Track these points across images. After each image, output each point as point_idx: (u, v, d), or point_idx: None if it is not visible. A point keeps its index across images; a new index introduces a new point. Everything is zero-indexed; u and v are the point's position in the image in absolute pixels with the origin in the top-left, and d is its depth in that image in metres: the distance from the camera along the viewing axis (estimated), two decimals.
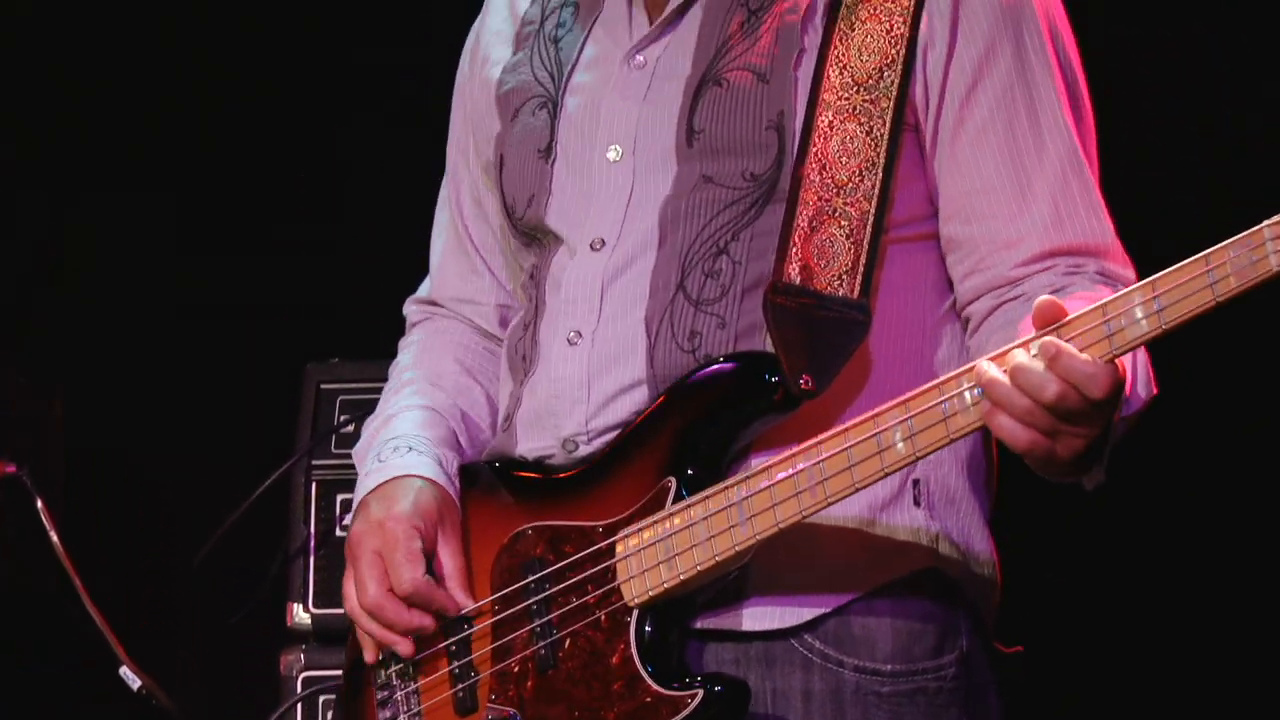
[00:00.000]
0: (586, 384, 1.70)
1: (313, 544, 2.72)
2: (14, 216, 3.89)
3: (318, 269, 3.48)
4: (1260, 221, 1.48)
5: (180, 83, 4.03)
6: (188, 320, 3.52)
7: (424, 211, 2.02)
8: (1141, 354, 1.63)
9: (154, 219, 3.81)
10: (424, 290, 1.99)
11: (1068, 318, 1.49)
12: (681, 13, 1.74)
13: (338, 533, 2.71)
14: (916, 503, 1.68)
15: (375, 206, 3.48)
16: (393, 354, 1.94)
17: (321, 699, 2.67)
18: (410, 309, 1.99)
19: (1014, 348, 1.52)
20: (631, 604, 1.62)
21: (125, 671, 2.67)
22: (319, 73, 3.74)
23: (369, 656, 1.76)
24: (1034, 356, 1.49)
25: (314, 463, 2.75)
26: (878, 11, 1.67)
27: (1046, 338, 1.50)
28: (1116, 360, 1.49)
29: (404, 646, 1.71)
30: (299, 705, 2.64)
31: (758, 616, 1.65)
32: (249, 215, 3.66)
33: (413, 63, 2.40)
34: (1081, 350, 1.47)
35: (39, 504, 2.74)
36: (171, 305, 3.66)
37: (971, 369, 1.53)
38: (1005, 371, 1.50)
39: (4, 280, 3.85)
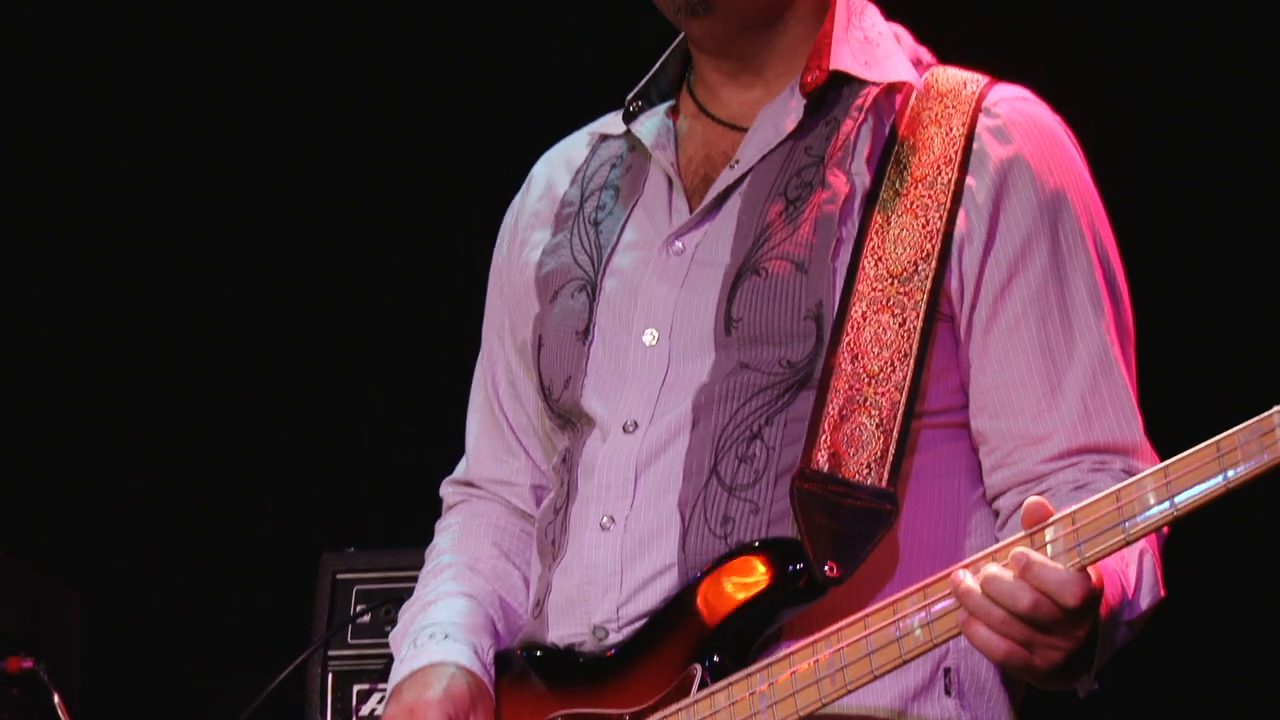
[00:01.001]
0: (619, 570, 1.77)
1: None
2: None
3: (334, 459, 3.67)
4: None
5: (202, 302, 4.43)
6: (204, 509, 3.71)
7: (437, 404, 2.16)
8: (1150, 559, 1.72)
9: (169, 410, 4.07)
10: (460, 471, 2.06)
11: (1084, 503, 1.56)
12: (721, 200, 1.83)
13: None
14: (948, 691, 1.76)
15: (390, 399, 3.73)
16: (410, 543, 2.05)
17: None
18: (447, 490, 2.06)
19: (985, 556, 1.59)
20: None
21: None
22: (335, 264, 4.06)
23: None
24: (1005, 566, 1.56)
25: (330, 653, 2.86)
26: (914, 206, 1.77)
27: (1017, 549, 1.57)
28: (1088, 567, 1.56)
29: None
30: None
31: None
32: (264, 405, 3.89)
33: (419, 254, 2.61)
34: (1090, 535, 1.56)
35: (56, 699, 2.85)
36: (188, 494, 3.83)
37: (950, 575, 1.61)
38: (978, 581, 1.57)
39: (21, 476, 4.03)
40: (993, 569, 1.56)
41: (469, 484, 2.04)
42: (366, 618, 2.85)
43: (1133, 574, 1.67)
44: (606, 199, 1.91)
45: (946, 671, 1.76)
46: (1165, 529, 1.65)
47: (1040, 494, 1.68)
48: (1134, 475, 1.65)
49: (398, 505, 2.43)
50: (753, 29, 1.86)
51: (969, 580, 1.57)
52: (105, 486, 4.03)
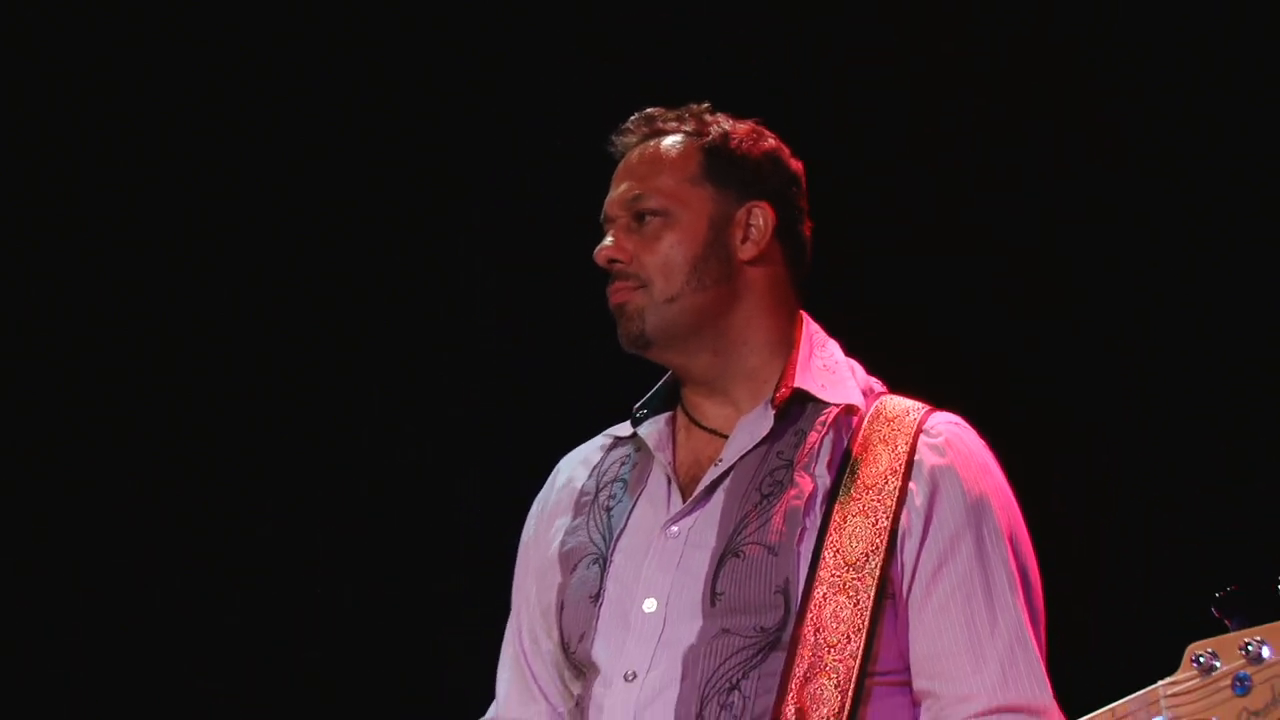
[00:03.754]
0: None
1: None
2: None
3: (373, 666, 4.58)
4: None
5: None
6: (423, 622, 4.69)
7: (469, 655, 2.86)
8: None
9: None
10: (491, 713, 2.50)
11: None
12: (709, 493, 2.31)
13: None
14: None
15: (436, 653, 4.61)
16: None
17: None
18: None
19: None
20: None
21: None
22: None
23: None
24: None
25: None
26: (865, 508, 2.25)
27: None
28: None
29: None
30: None
31: None
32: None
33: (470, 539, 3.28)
34: None
35: None
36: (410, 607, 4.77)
37: None
38: None
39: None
40: None
41: None
42: None
43: None
44: (617, 490, 2.39)
45: None
46: None
47: None
48: None
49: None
50: (702, 357, 2.36)
51: None
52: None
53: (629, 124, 2.43)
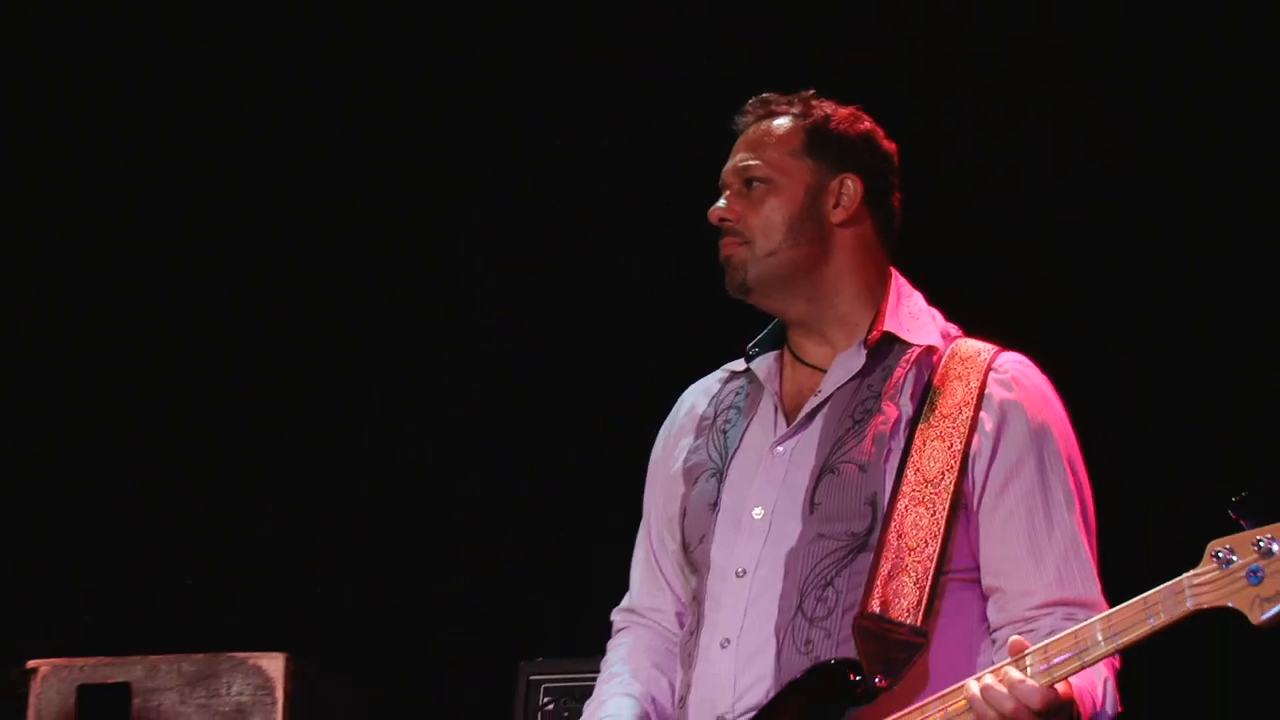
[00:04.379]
0: (734, 678, 2.63)
1: None
2: None
3: (527, 585, 4.72)
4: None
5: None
6: (424, 621, 4.80)
7: (613, 545, 3.07)
8: (1111, 683, 2.53)
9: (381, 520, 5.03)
10: (625, 602, 2.94)
11: (1052, 640, 2.38)
12: (809, 419, 2.72)
13: None
14: None
15: (573, 543, 4.67)
16: (582, 653, 2.93)
17: None
18: (616, 616, 2.95)
19: (987, 673, 2.40)
20: None
21: None
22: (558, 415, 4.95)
23: None
24: (999, 681, 2.39)
25: None
26: (942, 434, 2.64)
27: (1008, 668, 2.39)
28: (1054, 685, 2.35)
29: None
30: None
31: None
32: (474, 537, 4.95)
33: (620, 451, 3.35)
34: (1057, 662, 2.37)
35: None
36: (411, 606, 4.88)
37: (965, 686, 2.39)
38: (980, 690, 2.39)
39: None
40: (989, 681, 2.41)
41: (632, 611, 2.94)
42: (550, 707, 3.90)
43: (1100, 693, 2.50)
44: (732, 415, 2.82)
45: None
46: (1117, 659, 2.50)
47: (1026, 633, 2.51)
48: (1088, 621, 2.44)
49: (574, 625, 3.50)
50: (797, 304, 2.78)
51: (975, 689, 2.41)
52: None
53: (748, 106, 2.85)
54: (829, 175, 2.80)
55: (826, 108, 2.84)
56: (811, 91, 2.87)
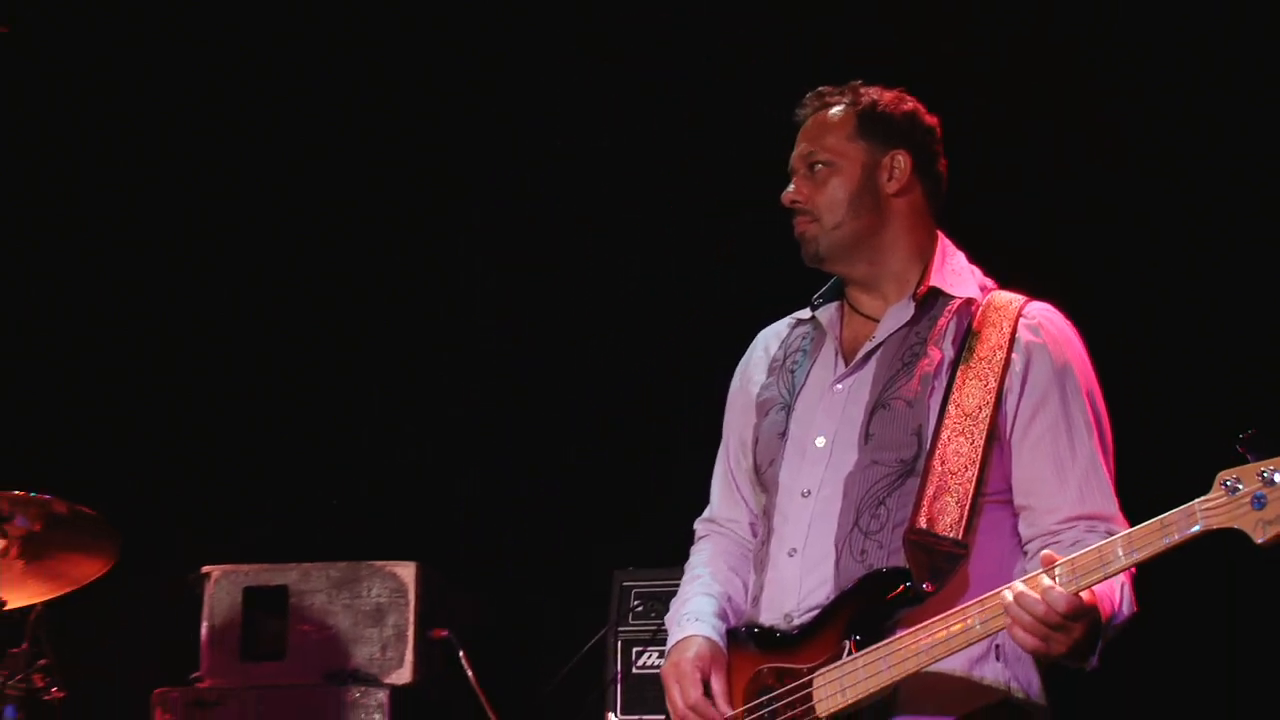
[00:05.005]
0: (799, 582, 2.93)
1: (619, 677, 4.30)
2: None
3: (619, 504, 5.07)
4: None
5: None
6: (533, 535, 5.19)
7: (691, 464, 3.34)
8: (1127, 588, 2.79)
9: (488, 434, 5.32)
10: (706, 513, 3.23)
11: (1078, 554, 2.62)
12: (865, 361, 3.01)
13: (635, 670, 4.26)
14: (997, 658, 2.86)
15: (658, 467, 4.93)
16: (667, 563, 3.19)
17: None
18: (698, 526, 3.24)
19: (1020, 582, 2.64)
20: (822, 716, 2.82)
21: None
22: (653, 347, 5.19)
23: None
24: (1031, 589, 2.62)
25: (619, 629, 4.35)
26: (979, 374, 2.93)
27: (1040, 577, 2.63)
28: (1080, 593, 2.61)
29: None
30: None
31: None
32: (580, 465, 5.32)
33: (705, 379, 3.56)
34: (1082, 574, 2.62)
35: (461, 655, 4.58)
36: (522, 523, 5.28)
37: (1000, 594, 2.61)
38: (1014, 596, 2.62)
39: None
40: (1023, 588, 2.63)
41: (712, 521, 3.23)
42: (639, 608, 4.32)
43: (1118, 597, 2.75)
44: (799, 357, 3.13)
45: (997, 647, 2.83)
46: (1133, 569, 2.72)
47: (1053, 545, 2.76)
48: (1112, 536, 2.68)
49: (658, 538, 3.71)
50: (861, 266, 3.08)
51: (1009, 595, 2.64)
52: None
53: (805, 100, 3.13)
54: (881, 153, 3.10)
55: (874, 93, 3.13)
56: (859, 81, 3.15)
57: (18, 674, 4.05)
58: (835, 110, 3.14)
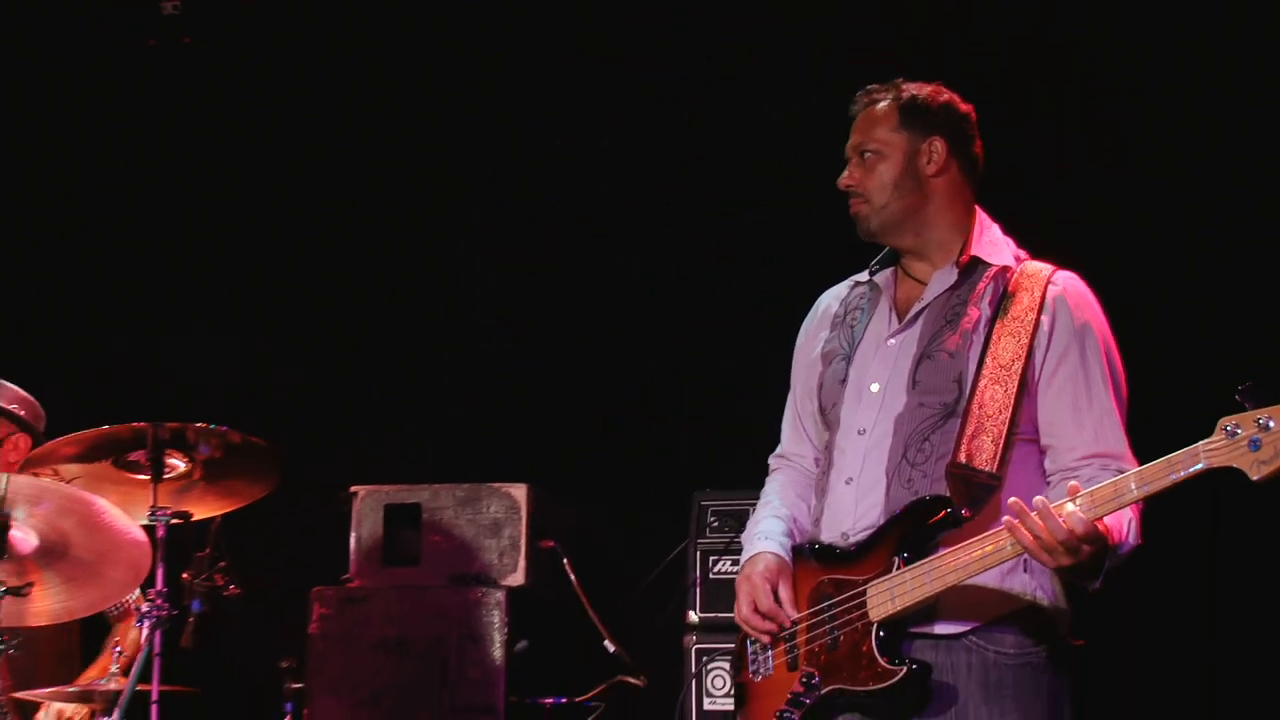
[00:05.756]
0: (854, 506, 3.04)
1: (698, 582, 4.47)
2: None
3: (700, 434, 5.09)
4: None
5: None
6: (625, 460, 5.24)
7: (761, 399, 3.45)
8: (1135, 522, 2.86)
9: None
10: (778, 450, 3.35)
11: (1097, 486, 2.73)
12: (914, 319, 3.11)
13: (711, 577, 4.44)
14: (1025, 570, 2.95)
15: (737, 404, 4.86)
16: (743, 486, 3.31)
17: (706, 662, 4.41)
18: (771, 460, 3.36)
19: (1047, 505, 2.73)
20: (874, 620, 2.93)
21: (606, 644, 4.58)
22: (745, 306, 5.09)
23: (750, 641, 3.14)
24: (1054, 513, 2.71)
25: (698, 541, 4.49)
26: (1012, 331, 3.02)
27: (1065, 503, 2.72)
28: (1096, 520, 2.71)
29: (764, 637, 3.07)
30: (694, 663, 4.44)
31: (942, 627, 2.93)
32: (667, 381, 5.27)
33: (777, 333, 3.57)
34: (1100, 504, 2.72)
35: (565, 562, 4.79)
36: (616, 449, 5.39)
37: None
38: (1039, 516, 2.73)
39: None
40: (1048, 509, 2.73)
41: (782, 456, 3.35)
42: (716, 524, 4.47)
43: (1126, 529, 2.82)
44: (857, 314, 3.23)
45: (1025, 562, 2.93)
46: (1143, 503, 2.81)
47: (1073, 479, 2.86)
48: (1123, 473, 2.77)
49: (732, 464, 3.81)
50: (908, 238, 3.17)
51: (1036, 515, 2.74)
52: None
53: (856, 97, 3.24)
54: (920, 140, 3.19)
55: (913, 88, 3.22)
56: (901, 79, 3.26)
57: (202, 574, 4.23)
58: (881, 105, 3.22)
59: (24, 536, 3.99)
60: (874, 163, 3.20)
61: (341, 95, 5.44)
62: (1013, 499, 2.79)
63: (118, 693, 4.16)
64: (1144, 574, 3.12)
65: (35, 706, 4.53)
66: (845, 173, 3.22)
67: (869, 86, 3.25)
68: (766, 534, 3.20)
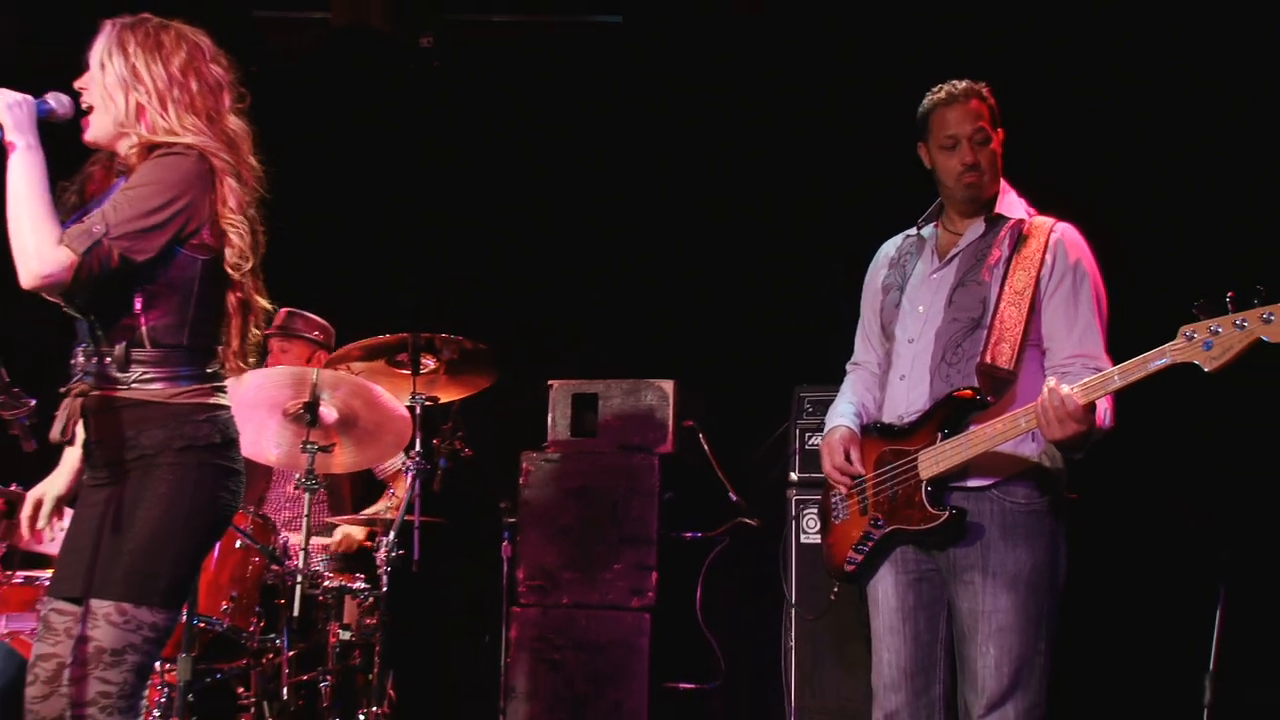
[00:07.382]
0: (906, 395, 3.14)
1: (798, 451, 4.62)
2: None
3: (800, 341, 4.96)
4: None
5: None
6: (745, 362, 5.21)
7: (840, 321, 3.53)
8: (1109, 409, 2.95)
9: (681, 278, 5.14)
10: (852, 358, 3.40)
11: (1091, 378, 2.81)
12: (951, 260, 3.18)
13: (806, 448, 4.59)
14: (1033, 440, 3.02)
15: (828, 321, 4.35)
16: (833, 380, 3.41)
17: (802, 509, 4.56)
18: (847, 366, 3.41)
19: (1057, 387, 2.82)
20: (923, 479, 3.04)
21: (730, 495, 4.75)
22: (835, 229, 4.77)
23: (833, 493, 3.22)
24: (1056, 395, 2.82)
25: (798, 421, 4.63)
26: (1025, 266, 3.10)
27: (1063, 385, 2.82)
28: (1093, 401, 2.81)
29: (841, 487, 3.19)
30: (793, 509, 4.59)
31: (973, 482, 3.03)
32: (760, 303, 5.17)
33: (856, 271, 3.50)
34: (1090, 393, 2.81)
35: (701, 436, 4.83)
36: (740, 356, 5.21)
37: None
38: (1049, 394, 2.82)
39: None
40: (1055, 393, 2.82)
41: (855, 363, 3.41)
42: (811, 411, 4.61)
43: (1103, 414, 2.92)
44: (909, 258, 3.30)
45: (1034, 434, 2.99)
46: (1115, 395, 2.89)
47: (1063, 373, 2.98)
48: (1100, 371, 2.87)
49: (823, 363, 3.83)
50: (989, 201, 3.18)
51: (1047, 394, 2.84)
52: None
53: (959, 93, 3.22)
54: (997, 131, 3.24)
55: (986, 90, 3.24)
56: (972, 80, 3.25)
57: (446, 440, 4.52)
58: (981, 99, 3.24)
59: (328, 412, 4.44)
60: (986, 147, 3.21)
61: None
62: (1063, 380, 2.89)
63: (390, 521, 4.53)
64: (1115, 449, 3.16)
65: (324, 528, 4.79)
66: (966, 151, 3.21)
67: (971, 84, 3.24)
68: (842, 414, 3.33)
